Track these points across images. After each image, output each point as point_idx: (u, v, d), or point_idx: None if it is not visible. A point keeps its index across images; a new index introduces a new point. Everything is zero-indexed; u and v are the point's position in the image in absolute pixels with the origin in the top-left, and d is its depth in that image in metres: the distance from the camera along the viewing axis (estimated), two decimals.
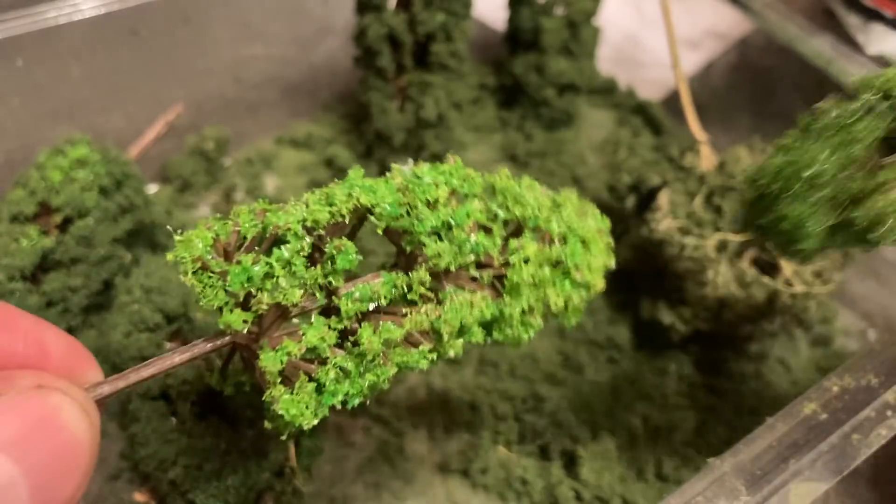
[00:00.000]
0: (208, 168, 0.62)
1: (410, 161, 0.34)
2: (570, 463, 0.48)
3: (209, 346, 0.30)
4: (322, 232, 0.30)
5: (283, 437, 0.31)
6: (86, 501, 0.46)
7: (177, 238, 0.29)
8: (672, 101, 0.70)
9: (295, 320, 0.31)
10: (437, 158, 0.62)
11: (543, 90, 0.66)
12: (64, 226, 0.48)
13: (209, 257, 0.29)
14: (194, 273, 0.28)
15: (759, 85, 0.69)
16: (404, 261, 0.33)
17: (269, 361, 0.29)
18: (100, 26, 0.58)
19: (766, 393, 0.51)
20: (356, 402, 0.30)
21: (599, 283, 0.34)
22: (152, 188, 0.62)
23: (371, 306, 0.31)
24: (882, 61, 0.74)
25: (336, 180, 0.32)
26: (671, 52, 0.63)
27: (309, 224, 0.30)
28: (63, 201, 0.48)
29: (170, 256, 0.29)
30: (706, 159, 0.58)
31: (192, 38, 0.63)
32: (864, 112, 0.32)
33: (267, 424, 0.30)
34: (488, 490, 0.48)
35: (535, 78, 0.66)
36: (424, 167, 0.33)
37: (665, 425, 0.50)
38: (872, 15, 0.76)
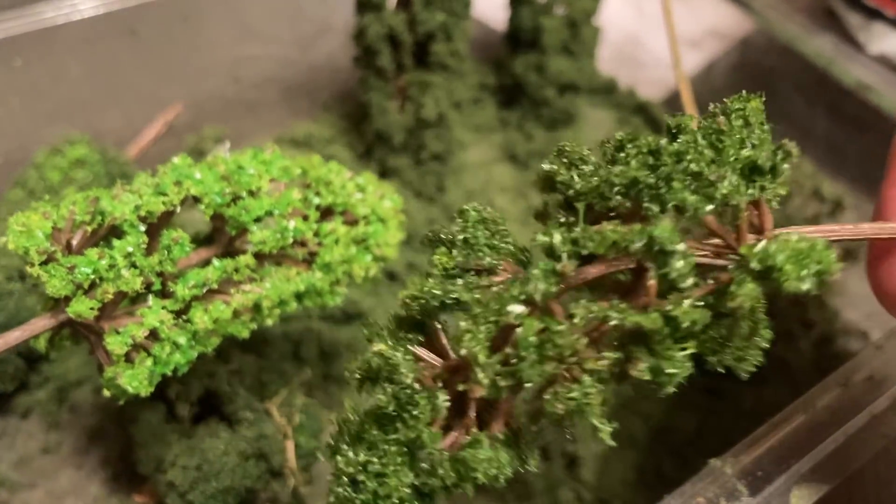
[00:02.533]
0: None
1: (227, 143, 0.39)
2: (571, 464, 0.48)
3: (49, 322, 0.33)
4: (155, 221, 0.34)
5: (121, 403, 0.34)
6: (84, 502, 0.46)
7: (15, 227, 0.31)
8: (673, 101, 0.70)
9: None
10: (437, 158, 0.62)
11: (544, 90, 0.66)
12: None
13: (53, 249, 0.32)
14: (41, 265, 0.31)
15: (761, 85, 0.69)
16: (227, 242, 0.37)
17: (116, 344, 0.32)
18: (98, 26, 0.58)
19: (767, 393, 0.51)
20: (185, 369, 0.34)
21: (393, 255, 0.41)
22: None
23: (203, 290, 0.35)
24: (883, 61, 0.74)
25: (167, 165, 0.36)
26: (672, 52, 0.63)
27: (143, 213, 0.33)
28: None
29: (10, 245, 0.31)
30: None
31: (191, 38, 0.63)
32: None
33: (106, 393, 0.33)
34: (488, 491, 0.47)
35: (535, 78, 0.66)
36: (246, 156, 0.38)
37: (666, 426, 0.50)
38: (874, 14, 0.76)
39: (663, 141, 0.26)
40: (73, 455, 0.47)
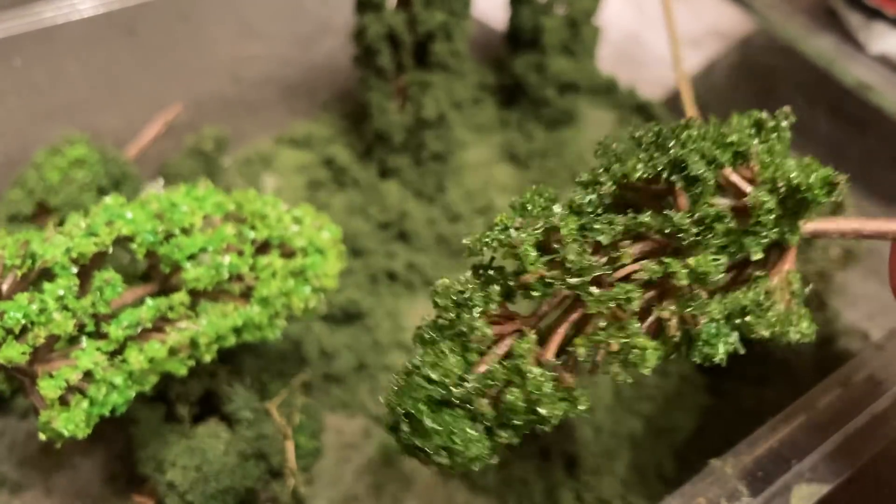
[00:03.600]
0: (207, 168, 0.62)
1: (161, 180, 0.39)
2: (571, 464, 0.48)
3: None
4: (87, 262, 0.34)
5: (58, 447, 0.34)
6: (84, 502, 0.46)
7: None
8: (673, 100, 0.70)
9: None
10: (437, 158, 0.62)
11: (544, 90, 0.66)
12: (62, 226, 0.48)
13: None
14: None
15: (761, 84, 0.69)
16: (162, 280, 0.37)
17: (49, 389, 0.32)
18: (98, 26, 0.58)
19: (768, 394, 0.51)
20: (123, 409, 0.34)
21: (333, 286, 0.40)
22: (151, 187, 0.62)
23: (137, 330, 0.34)
24: (884, 60, 0.74)
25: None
26: (672, 52, 0.63)
27: (75, 255, 0.33)
28: (61, 201, 0.47)
29: None
30: None
31: (190, 38, 0.63)
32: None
33: (42, 437, 0.33)
34: (489, 492, 0.47)
35: (535, 77, 0.66)
36: (179, 193, 0.37)
37: (666, 426, 0.50)
38: (874, 14, 0.76)
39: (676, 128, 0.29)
40: (73, 455, 0.47)
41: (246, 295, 0.38)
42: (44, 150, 0.51)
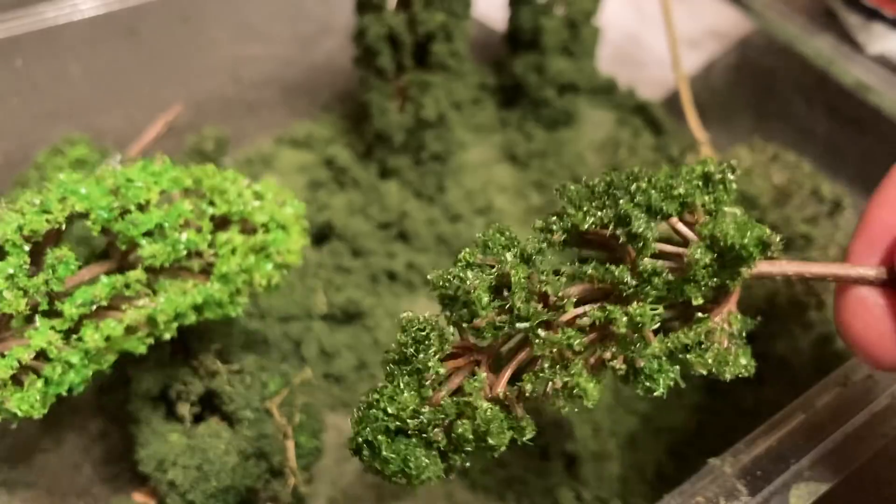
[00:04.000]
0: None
1: (118, 156, 0.38)
2: (570, 463, 0.48)
3: None
4: (40, 240, 0.33)
5: (14, 426, 0.35)
6: (84, 502, 0.46)
7: None
8: (672, 101, 0.70)
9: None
10: (437, 158, 0.62)
11: (543, 90, 0.66)
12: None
13: None
14: None
15: (760, 85, 0.69)
16: (119, 256, 0.36)
17: (1, 369, 0.31)
18: (99, 26, 0.58)
19: (766, 393, 0.51)
20: (81, 389, 0.34)
21: (297, 262, 0.39)
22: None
23: (92, 308, 0.34)
24: (883, 61, 0.74)
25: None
26: (671, 52, 0.63)
27: (27, 233, 0.33)
28: None
29: None
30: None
31: (191, 38, 0.63)
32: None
33: None
34: (488, 491, 0.47)
35: (535, 78, 0.66)
36: (135, 168, 0.36)
37: (665, 425, 0.50)
38: (873, 15, 0.76)
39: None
40: (74, 454, 0.47)
41: (206, 272, 0.37)
42: (45, 151, 0.51)
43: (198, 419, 0.44)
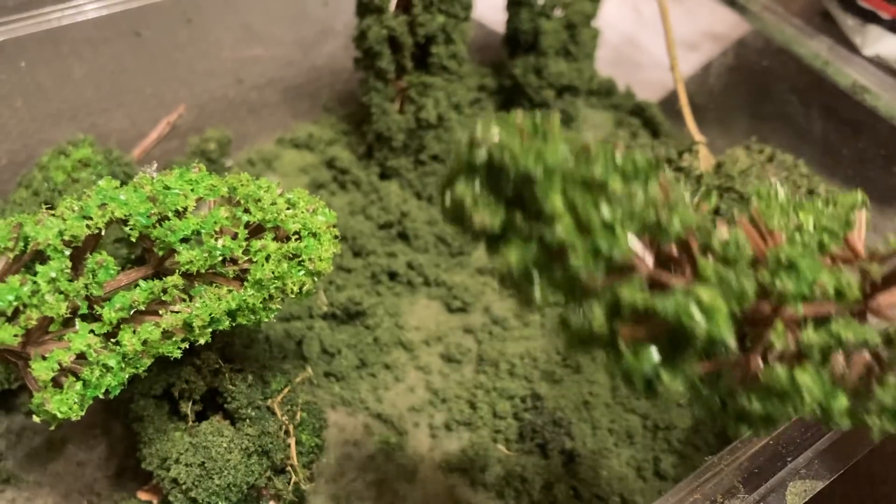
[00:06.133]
0: (210, 169, 0.63)
1: (154, 164, 0.38)
2: (569, 461, 0.49)
3: None
4: (80, 245, 0.34)
5: (52, 428, 0.34)
6: (88, 500, 0.46)
7: None
8: (670, 102, 0.71)
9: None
10: (437, 159, 0.63)
11: (543, 91, 0.66)
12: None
13: None
14: None
15: (757, 86, 0.70)
16: (156, 262, 0.36)
17: (42, 370, 0.32)
18: (102, 28, 0.58)
19: None
20: (117, 391, 0.34)
21: (328, 269, 0.39)
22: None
23: (130, 312, 0.34)
24: (879, 62, 0.75)
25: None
26: (669, 54, 0.64)
27: (67, 238, 0.33)
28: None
29: None
30: (704, 160, 0.58)
31: (194, 40, 0.63)
32: None
33: (36, 419, 0.33)
34: (488, 488, 0.48)
35: (534, 79, 0.66)
36: (172, 176, 0.37)
37: (663, 423, 0.51)
38: (869, 17, 0.76)
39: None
40: (78, 452, 0.48)
41: (240, 278, 0.38)
42: (49, 152, 0.51)
43: (200, 417, 0.45)
